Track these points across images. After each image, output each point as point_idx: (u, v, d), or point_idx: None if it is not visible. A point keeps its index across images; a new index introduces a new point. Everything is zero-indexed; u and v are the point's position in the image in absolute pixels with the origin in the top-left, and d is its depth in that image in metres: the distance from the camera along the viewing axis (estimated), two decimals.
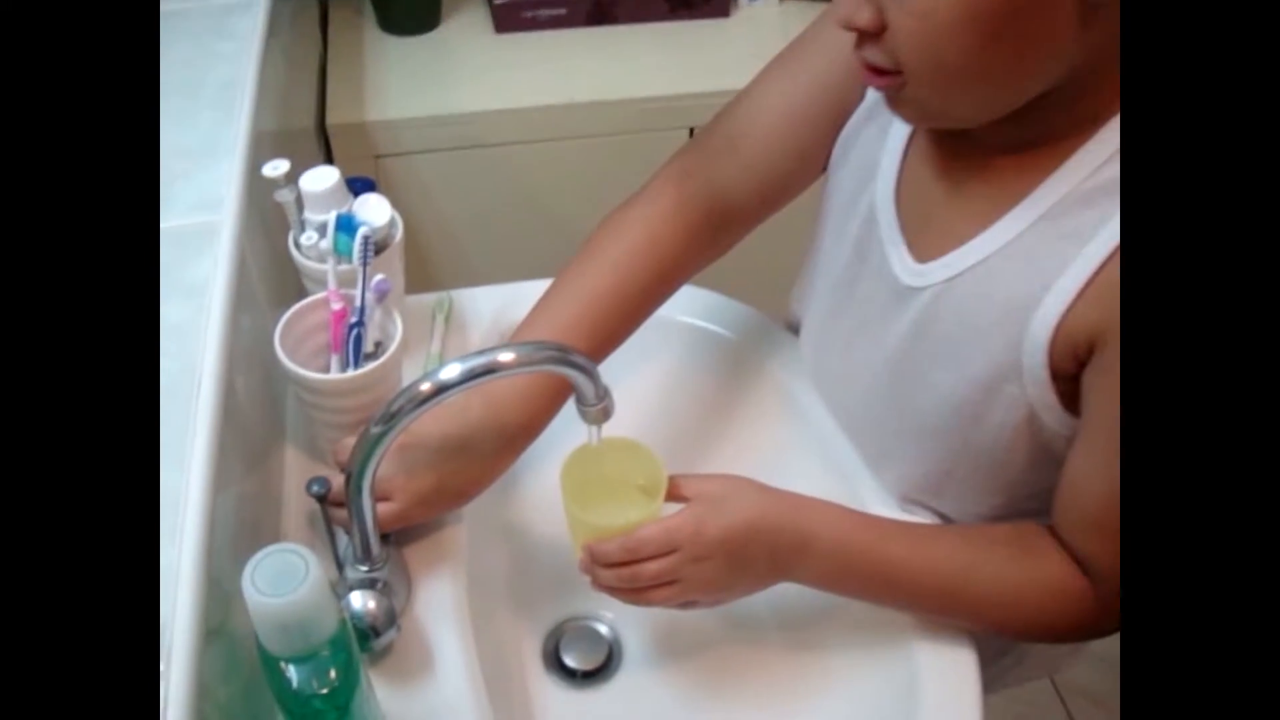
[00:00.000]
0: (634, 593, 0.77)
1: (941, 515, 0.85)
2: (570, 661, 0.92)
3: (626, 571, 0.75)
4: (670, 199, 0.88)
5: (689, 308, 1.04)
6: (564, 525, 0.80)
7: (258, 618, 0.54)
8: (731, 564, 0.76)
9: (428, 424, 0.76)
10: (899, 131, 0.79)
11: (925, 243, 0.77)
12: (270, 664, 0.56)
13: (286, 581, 0.53)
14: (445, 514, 0.85)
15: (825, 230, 0.88)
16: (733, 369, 1.03)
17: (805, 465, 0.94)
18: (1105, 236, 0.65)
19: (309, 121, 1.38)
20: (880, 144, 0.80)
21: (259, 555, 0.54)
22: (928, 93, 0.66)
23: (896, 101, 0.69)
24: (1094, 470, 0.70)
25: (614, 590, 0.78)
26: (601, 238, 0.88)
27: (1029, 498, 0.79)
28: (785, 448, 0.97)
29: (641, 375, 1.02)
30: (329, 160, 1.44)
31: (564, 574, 0.94)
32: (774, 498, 0.78)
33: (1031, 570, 0.76)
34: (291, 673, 0.56)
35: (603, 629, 0.95)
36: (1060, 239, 0.67)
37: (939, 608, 0.79)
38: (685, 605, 0.79)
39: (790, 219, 0.92)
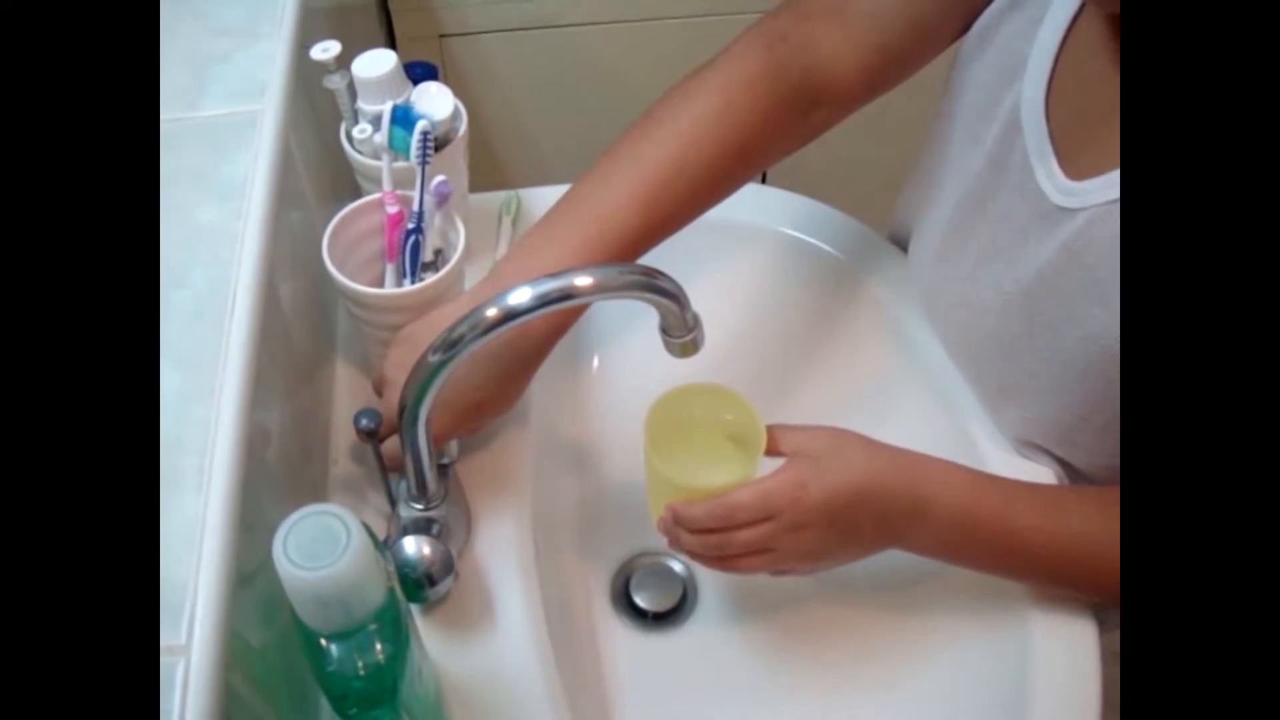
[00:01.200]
0: (721, 560, 0.69)
1: (1064, 464, 0.76)
2: (641, 602, 0.84)
3: (715, 539, 0.68)
4: (756, 63, 0.74)
5: (782, 215, 0.94)
6: (639, 456, 0.71)
7: (292, 591, 0.46)
8: (834, 531, 0.67)
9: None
10: (1054, 22, 0.67)
11: (1082, 157, 0.65)
12: (309, 639, 0.49)
13: (324, 551, 0.45)
14: (492, 429, 0.77)
15: (953, 134, 0.76)
16: (831, 287, 0.92)
17: (910, 398, 0.84)
18: None
19: None
20: (1029, 38, 0.68)
21: (292, 518, 0.46)
22: None
23: None
24: None
25: (698, 556, 0.70)
26: (668, 101, 0.74)
27: None
28: (888, 378, 0.87)
29: (727, 291, 0.92)
30: (390, 41, 1.34)
31: (637, 507, 0.86)
32: (885, 457, 0.69)
33: None
34: (332, 650, 0.49)
35: (677, 567, 0.87)
36: None
37: (1071, 581, 0.70)
38: (778, 573, 0.72)
39: (900, 112, 0.80)
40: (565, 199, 0.72)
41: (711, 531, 0.67)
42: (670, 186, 0.70)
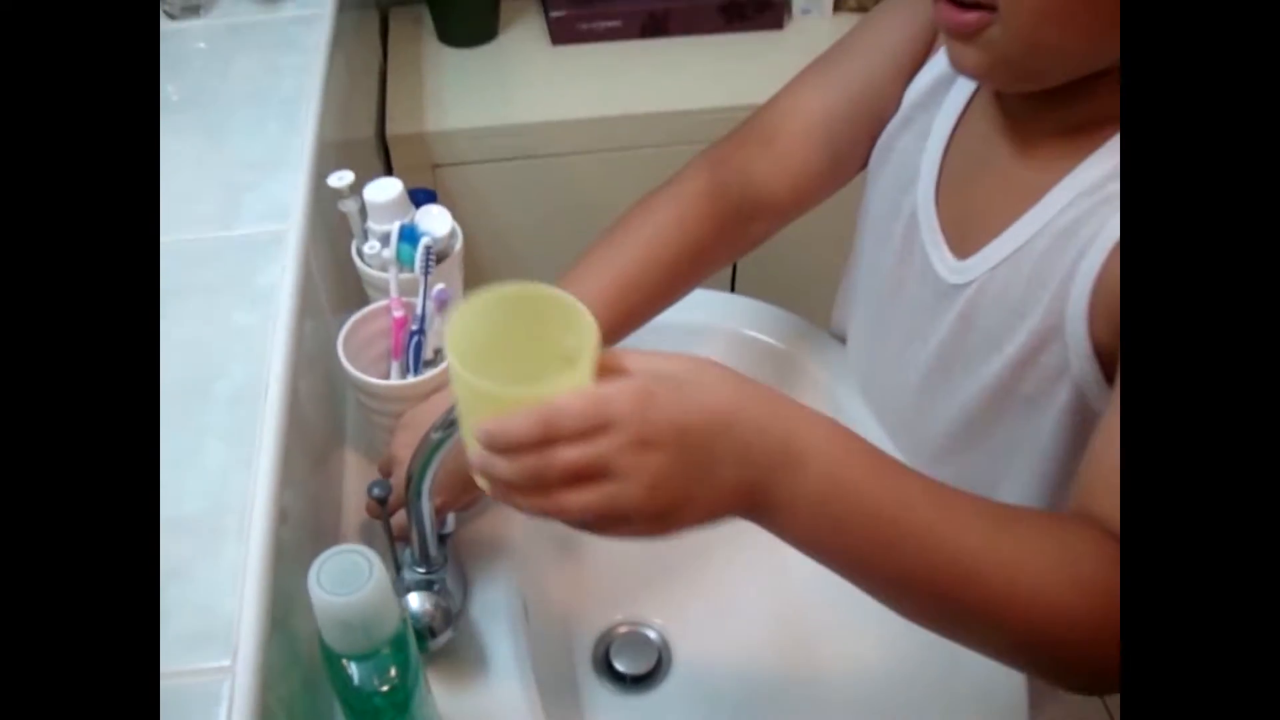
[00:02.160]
0: (541, 493, 0.54)
1: None
2: (620, 666, 0.93)
3: (533, 460, 0.52)
4: (702, 183, 0.87)
5: (737, 315, 1.06)
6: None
7: (322, 615, 0.56)
8: (689, 461, 0.54)
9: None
10: (938, 135, 0.80)
11: (966, 239, 0.77)
12: (332, 661, 0.58)
13: (351, 581, 0.55)
14: (485, 506, 0.87)
15: (866, 238, 0.89)
16: (779, 376, 1.04)
17: None
18: None
19: (369, 131, 1.41)
20: (919, 149, 0.81)
21: (325, 555, 0.56)
22: (1016, 32, 0.64)
23: (972, 44, 0.66)
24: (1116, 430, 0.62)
25: (515, 493, 0.55)
26: (632, 216, 0.87)
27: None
28: None
29: None
30: (388, 169, 1.46)
31: (615, 579, 0.96)
32: (758, 390, 0.58)
33: (1073, 525, 0.60)
34: (353, 670, 0.58)
35: (652, 634, 0.96)
36: (1099, 205, 0.67)
37: (960, 594, 0.58)
38: (609, 528, 0.55)
39: (835, 228, 0.93)
40: None
41: (532, 450, 0.52)
42: (636, 287, 0.83)
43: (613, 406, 0.52)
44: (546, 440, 0.52)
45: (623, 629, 0.96)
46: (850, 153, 0.87)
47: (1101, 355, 0.68)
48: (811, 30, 1.69)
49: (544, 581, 0.93)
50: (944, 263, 0.79)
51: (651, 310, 0.86)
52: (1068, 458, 0.75)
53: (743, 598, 0.96)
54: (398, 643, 0.59)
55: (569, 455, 0.52)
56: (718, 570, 0.96)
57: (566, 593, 0.97)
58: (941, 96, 0.80)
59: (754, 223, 0.89)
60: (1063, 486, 0.78)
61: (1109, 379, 0.69)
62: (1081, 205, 0.68)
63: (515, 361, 0.55)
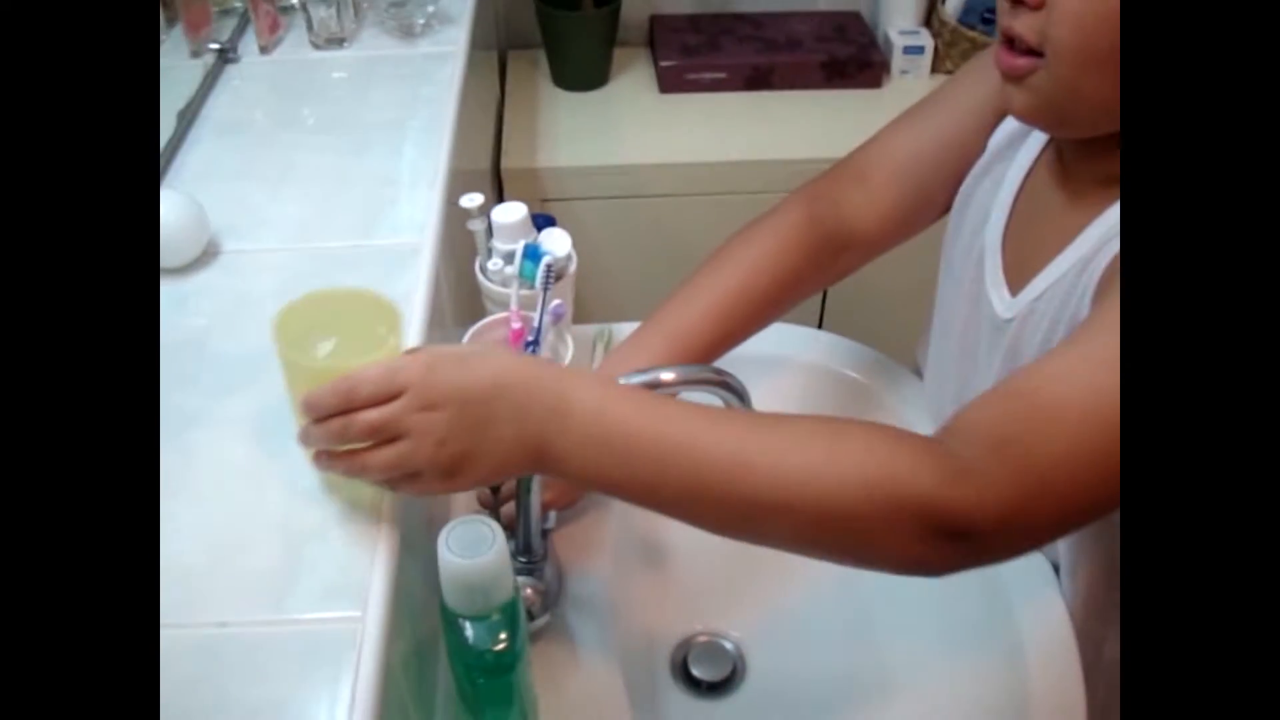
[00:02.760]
0: (349, 458, 0.63)
1: (1053, 560, 0.90)
2: (697, 673, 0.98)
3: (338, 422, 0.61)
4: (799, 215, 0.95)
5: (821, 350, 1.12)
6: (697, 545, 0.85)
7: (446, 577, 0.63)
8: (468, 420, 0.62)
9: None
10: (1010, 183, 0.86)
11: (1019, 278, 0.83)
12: (450, 622, 0.65)
13: (476, 547, 0.62)
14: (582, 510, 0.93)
15: (944, 278, 0.95)
16: (860, 409, 1.10)
17: None
18: None
19: (486, 164, 1.50)
20: (994, 195, 0.87)
21: (454, 523, 0.63)
22: (1061, 77, 0.69)
23: (1023, 85, 0.72)
24: (1045, 357, 0.66)
25: (329, 460, 0.64)
26: (734, 244, 0.95)
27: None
28: None
29: (775, 407, 1.09)
30: (500, 201, 1.55)
31: (696, 591, 1.02)
32: (531, 359, 0.67)
33: (855, 430, 0.64)
34: (469, 630, 0.65)
35: (728, 645, 1.01)
36: (1110, 240, 0.72)
37: (728, 489, 0.63)
38: (411, 484, 0.64)
39: (920, 270, 0.99)
40: (652, 319, 0.91)
41: (338, 416, 0.62)
42: (736, 308, 0.90)
43: (402, 374, 0.61)
44: (348, 405, 0.61)
45: (701, 638, 1.02)
46: (935, 194, 0.94)
47: None
48: (909, 90, 1.75)
49: (631, 587, 0.99)
50: (1001, 300, 0.84)
51: (749, 329, 0.93)
52: None
53: (815, 611, 1.01)
54: (510, 610, 0.65)
55: (366, 418, 0.61)
56: (792, 584, 1.01)
57: (650, 600, 1.02)
58: (1017, 148, 0.86)
59: (844, 254, 0.96)
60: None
61: None
62: (1102, 239, 0.73)
63: (337, 348, 0.66)
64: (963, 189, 0.92)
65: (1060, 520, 0.64)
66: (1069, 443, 0.60)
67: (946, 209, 0.95)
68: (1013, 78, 0.73)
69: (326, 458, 0.64)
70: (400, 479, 0.64)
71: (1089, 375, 0.61)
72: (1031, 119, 0.77)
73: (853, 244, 0.96)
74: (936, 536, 0.61)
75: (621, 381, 0.75)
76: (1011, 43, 0.72)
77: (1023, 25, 0.70)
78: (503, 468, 0.64)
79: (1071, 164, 0.80)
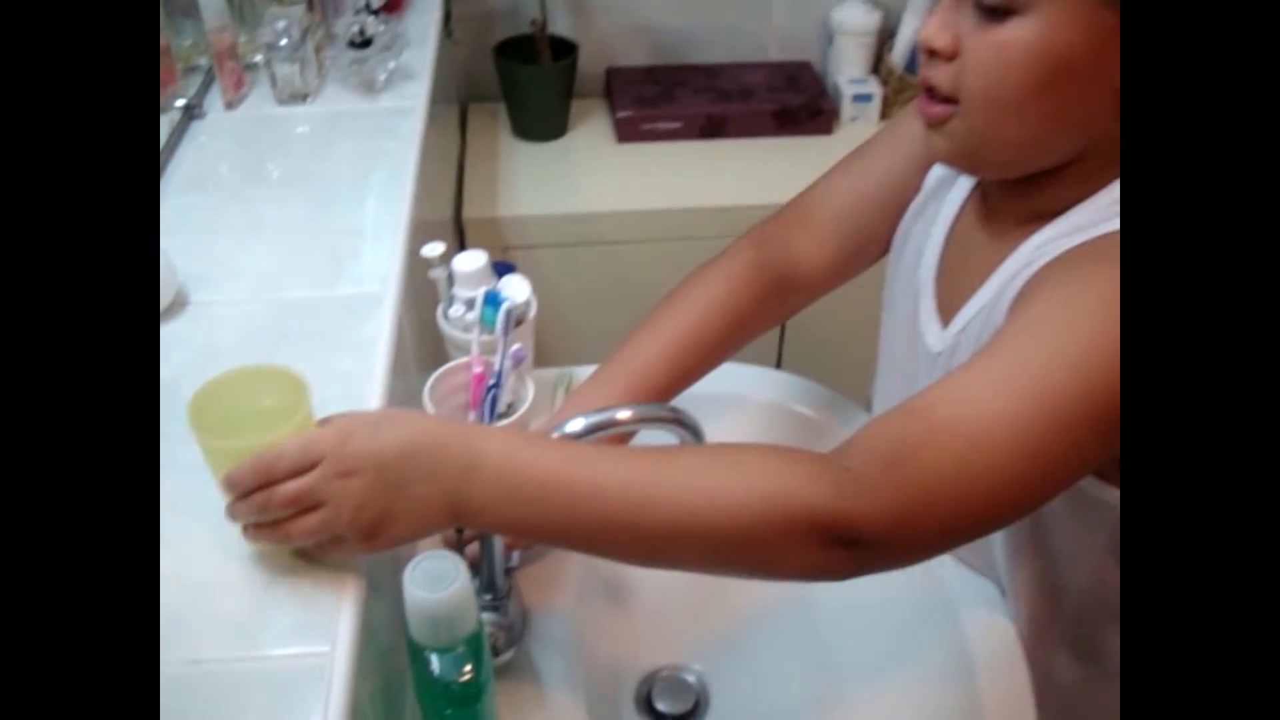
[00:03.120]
0: (274, 528, 0.66)
1: (998, 585, 0.93)
2: (661, 706, 1.01)
3: (260, 496, 0.64)
4: (748, 258, 0.99)
5: (779, 389, 1.15)
6: (660, 587, 0.88)
7: (413, 610, 0.65)
8: (383, 483, 0.65)
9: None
10: (942, 222, 0.91)
11: (948, 312, 0.88)
12: (417, 654, 0.67)
13: (440, 581, 0.65)
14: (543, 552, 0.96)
15: (886, 316, 0.99)
16: (814, 446, 1.12)
17: None
18: (1042, 260, 0.74)
19: (447, 214, 1.53)
20: (927, 234, 0.92)
21: (419, 558, 0.65)
22: (973, 123, 0.75)
23: (941, 131, 0.77)
24: (946, 378, 0.70)
25: (256, 532, 0.67)
26: (687, 286, 0.99)
27: (1073, 561, 0.86)
28: None
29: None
30: (462, 248, 1.58)
31: (659, 625, 1.04)
32: (440, 420, 0.72)
33: (750, 453, 0.69)
34: (435, 663, 0.67)
35: (691, 678, 1.03)
36: (1022, 271, 0.77)
37: (637, 521, 0.67)
38: (336, 548, 0.67)
39: (872, 310, 1.03)
40: (610, 360, 0.95)
41: (260, 490, 0.64)
42: (691, 348, 0.94)
43: (317, 445, 0.64)
44: (268, 479, 0.64)
45: (665, 671, 1.04)
46: (876, 234, 0.99)
47: None
48: (859, 136, 1.77)
49: (594, 622, 1.01)
50: (934, 334, 0.89)
51: (704, 368, 0.97)
52: (1048, 521, 0.84)
53: (776, 642, 1.03)
54: (474, 642, 0.67)
55: (286, 490, 0.63)
56: (753, 616, 1.04)
57: (614, 634, 1.04)
58: (948, 189, 0.91)
59: (792, 295, 1.01)
60: (1050, 554, 0.87)
61: None
62: (1021, 275, 0.77)
63: (252, 424, 0.67)
64: (900, 228, 0.96)
65: (948, 533, 0.68)
66: (957, 461, 0.65)
67: (887, 248, 0.99)
68: (932, 124, 0.78)
69: (253, 530, 0.67)
70: (325, 544, 0.67)
71: (984, 396, 0.66)
72: (951, 162, 0.82)
73: (799, 285, 1.00)
74: (832, 545, 0.65)
75: (580, 420, 0.78)
76: (931, 91, 0.77)
77: (939, 75, 0.75)
78: (422, 525, 0.67)
79: (995, 203, 0.84)
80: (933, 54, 0.75)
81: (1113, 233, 0.72)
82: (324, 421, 0.67)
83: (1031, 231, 0.79)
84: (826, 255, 0.99)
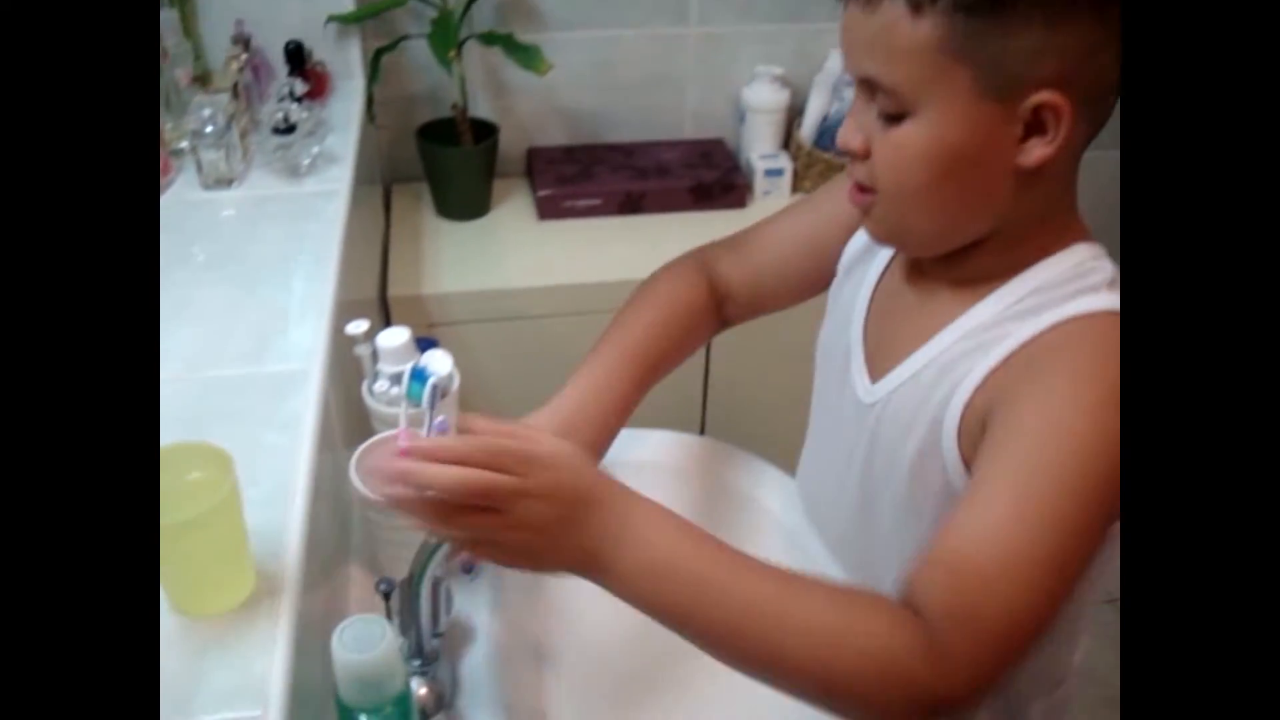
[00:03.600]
0: (438, 508, 0.69)
1: None
2: None
3: (456, 474, 0.67)
4: (689, 270, 1.10)
5: (703, 455, 1.20)
6: (593, 650, 0.91)
7: (341, 672, 0.68)
8: (562, 521, 0.69)
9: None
10: (869, 281, 0.98)
11: (878, 366, 0.93)
12: (346, 714, 0.70)
13: (368, 643, 0.67)
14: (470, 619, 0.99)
15: (818, 375, 1.05)
16: (738, 512, 1.17)
17: None
18: (1006, 345, 0.80)
19: (373, 293, 1.56)
20: (856, 293, 0.99)
21: (346, 621, 0.68)
22: (891, 211, 0.83)
23: (869, 217, 0.86)
24: (966, 515, 0.74)
25: (418, 508, 0.69)
26: (650, 281, 1.12)
27: None
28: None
29: None
30: (388, 326, 1.61)
31: (588, 691, 1.07)
32: (606, 479, 0.73)
33: (865, 607, 0.72)
34: None
35: None
36: (971, 351, 0.83)
37: (755, 641, 0.71)
38: (481, 549, 0.72)
39: (798, 377, 1.08)
40: (604, 340, 1.05)
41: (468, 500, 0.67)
42: (671, 322, 1.05)
43: (535, 461, 0.68)
44: (488, 463, 0.67)
45: None
46: (799, 278, 1.08)
47: (970, 469, 0.83)
48: (771, 209, 1.83)
49: (523, 686, 1.04)
50: (863, 386, 0.94)
51: (687, 342, 1.07)
52: None
53: (707, 709, 1.06)
54: (402, 702, 0.70)
55: (485, 480, 0.66)
56: (684, 681, 1.06)
57: (544, 698, 1.07)
58: (875, 251, 0.98)
59: (725, 306, 1.10)
60: None
61: None
62: (961, 346, 0.84)
63: (178, 498, 0.67)
64: (831, 289, 1.04)
65: (1022, 659, 0.72)
66: (1023, 598, 0.70)
67: (812, 292, 1.07)
68: (861, 211, 0.86)
69: (416, 506, 0.69)
70: (465, 539, 0.70)
71: (1014, 532, 0.71)
72: (881, 242, 0.91)
73: (728, 299, 1.10)
74: (924, 713, 0.70)
75: None
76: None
77: (857, 171, 0.84)
78: (561, 567, 0.71)
79: (923, 267, 0.91)
80: (851, 155, 0.83)
81: (1070, 322, 0.78)
82: (535, 439, 0.71)
83: (965, 301, 0.85)
84: (747, 279, 1.09)
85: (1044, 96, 0.75)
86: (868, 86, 0.79)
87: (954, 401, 0.82)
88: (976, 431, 0.81)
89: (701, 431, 1.80)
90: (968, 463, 0.83)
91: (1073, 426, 0.73)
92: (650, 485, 1.16)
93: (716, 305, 1.11)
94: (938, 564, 0.72)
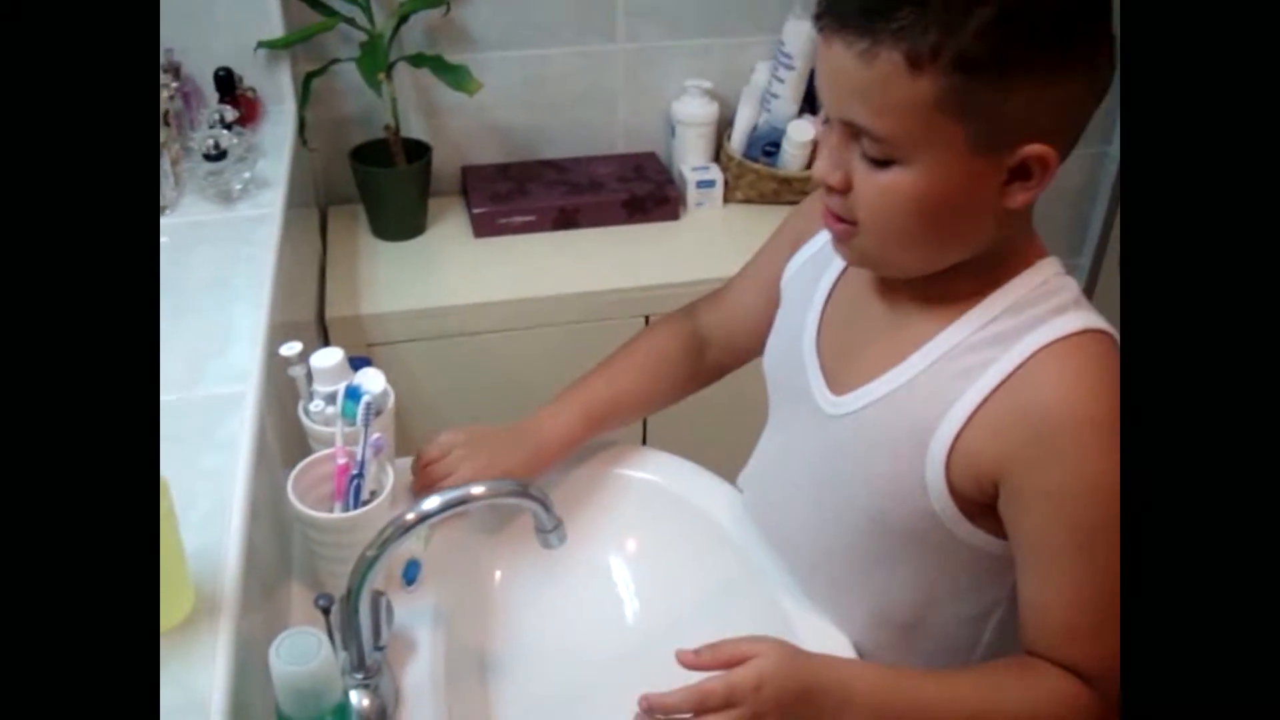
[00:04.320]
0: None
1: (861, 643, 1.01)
2: None
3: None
4: (677, 322, 1.19)
5: (645, 466, 1.22)
6: (535, 661, 0.91)
7: (280, 684, 0.70)
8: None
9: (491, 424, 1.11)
10: (821, 290, 0.99)
11: (842, 378, 0.95)
12: None
13: (305, 655, 0.69)
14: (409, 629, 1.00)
15: (770, 380, 1.08)
16: (685, 522, 1.19)
17: (746, 601, 1.09)
18: (992, 374, 0.83)
19: (310, 315, 1.58)
20: (807, 307, 1.00)
21: (283, 634, 0.70)
22: (871, 245, 0.85)
23: (844, 245, 0.88)
24: (1046, 591, 0.84)
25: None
26: (637, 344, 1.19)
27: (957, 609, 0.95)
28: (731, 586, 1.13)
29: (596, 521, 1.19)
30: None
31: (529, 706, 1.08)
32: (815, 663, 0.87)
33: (1040, 683, 0.84)
34: None
35: None
36: (954, 377, 0.85)
37: None
38: None
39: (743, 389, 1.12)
40: (598, 371, 1.17)
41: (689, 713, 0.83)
42: (661, 369, 1.17)
43: (737, 692, 0.82)
44: (700, 710, 0.83)
45: None
46: (769, 319, 1.08)
47: (959, 498, 0.86)
48: (705, 219, 1.92)
49: (464, 700, 1.05)
50: (823, 396, 0.96)
51: (638, 401, 1.18)
52: (949, 581, 0.93)
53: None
54: (340, 713, 0.72)
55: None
56: (619, 703, 1.08)
57: (486, 714, 1.08)
58: (828, 260, 1.00)
59: (708, 351, 1.18)
60: (954, 605, 0.95)
61: (968, 517, 0.87)
62: (942, 369, 0.86)
63: None
64: (777, 316, 1.06)
65: None
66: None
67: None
68: (838, 239, 0.88)
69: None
70: None
71: (1102, 587, 0.80)
72: (854, 265, 0.94)
73: (708, 343, 1.16)
74: None
75: (436, 498, 0.84)
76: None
77: (835, 205, 0.85)
78: None
79: (894, 283, 0.92)
80: (828, 189, 0.84)
81: (1049, 349, 0.81)
82: (739, 650, 0.85)
83: (937, 320, 0.87)
84: (722, 324, 1.17)
85: (1033, 149, 0.77)
86: (852, 128, 0.80)
87: (942, 430, 0.84)
88: (984, 475, 0.84)
89: (644, 441, 1.83)
90: (956, 491, 0.86)
91: (1099, 477, 0.78)
92: (594, 497, 1.19)
93: (698, 350, 1.17)
94: (1067, 638, 0.83)
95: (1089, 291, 2.09)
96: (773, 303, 1.07)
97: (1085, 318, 0.83)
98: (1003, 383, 0.82)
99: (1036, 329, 0.82)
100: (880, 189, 0.80)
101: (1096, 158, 2.20)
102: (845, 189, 0.83)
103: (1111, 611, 0.75)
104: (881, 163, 0.79)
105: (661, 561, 1.19)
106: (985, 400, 0.83)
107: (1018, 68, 0.74)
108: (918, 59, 0.73)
